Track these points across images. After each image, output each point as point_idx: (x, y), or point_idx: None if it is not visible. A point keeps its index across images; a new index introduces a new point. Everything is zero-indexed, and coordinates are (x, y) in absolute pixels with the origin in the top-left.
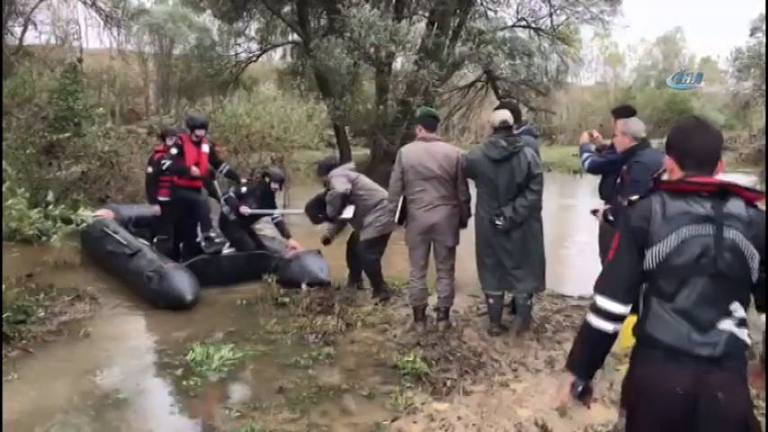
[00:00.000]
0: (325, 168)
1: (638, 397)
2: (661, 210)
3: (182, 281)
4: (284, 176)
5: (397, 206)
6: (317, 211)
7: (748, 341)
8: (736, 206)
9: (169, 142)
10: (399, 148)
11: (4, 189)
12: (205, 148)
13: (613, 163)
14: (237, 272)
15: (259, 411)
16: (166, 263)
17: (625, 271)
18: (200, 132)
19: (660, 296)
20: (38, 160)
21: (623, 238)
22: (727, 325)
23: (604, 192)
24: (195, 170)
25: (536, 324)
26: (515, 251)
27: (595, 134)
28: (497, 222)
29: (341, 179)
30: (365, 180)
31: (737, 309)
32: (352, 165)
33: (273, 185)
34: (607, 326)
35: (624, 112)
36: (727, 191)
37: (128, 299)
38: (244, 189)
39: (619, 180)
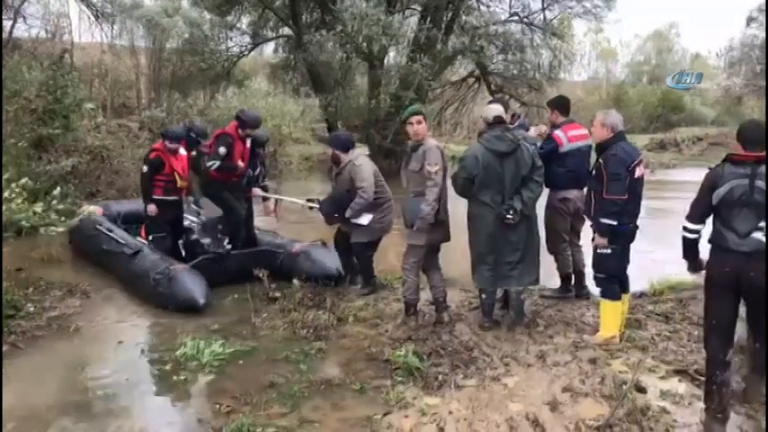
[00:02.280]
0: (343, 144)
1: (709, 276)
2: (722, 171)
3: (192, 283)
4: (268, 137)
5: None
6: (332, 210)
7: None
8: (765, 168)
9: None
10: (433, 144)
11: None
12: (248, 142)
13: (552, 152)
14: (243, 270)
15: (250, 406)
16: (173, 264)
17: (702, 205)
18: (249, 131)
19: (720, 220)
20: (27, 153)
21: (703, 188)
22: (757, 234)
23: (545, 180)
24: (241, 165)
25: (528, 318)
26: (521, 244)
27: (545, 131)
28: (509, 216)
29: (369, 174)
30: (378, 177)
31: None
32: (367, 151)
33: (257, 150)
34: (692, 236)
35: (559, 102)
36: (759, 161)
37: (118, 294)
38: (222, 150)
39: (594, 172)
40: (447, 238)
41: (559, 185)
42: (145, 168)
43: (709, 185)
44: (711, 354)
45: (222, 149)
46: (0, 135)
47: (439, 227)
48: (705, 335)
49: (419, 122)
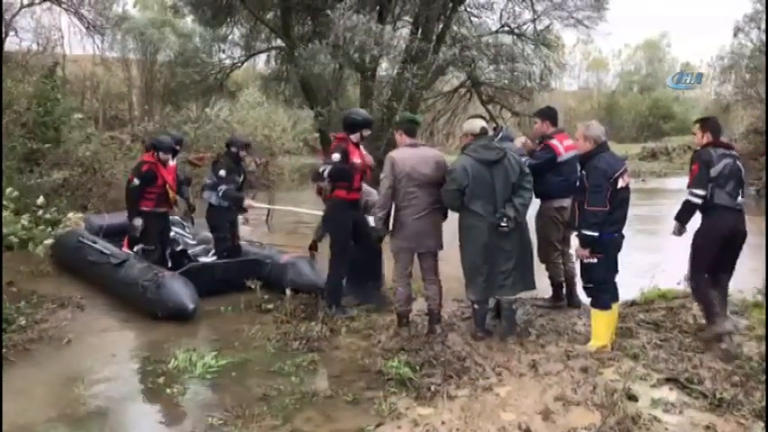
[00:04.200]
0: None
1: (708, 230)
2: (715, 153)
3: (181, 289)
4: (249, 141)
5: (388, 215)
6: None
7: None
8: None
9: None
10: (387, 155)
11: None
12: (363, 150)
13: (549, 162)
14: (231, 279)
15: (242, 419)
16: (161, 271)
17: (704, 177)
18: (366, 132)
19: (718, 187)
20: (18, 167)
21: (702, 165)
22: (741, 197)
23: (539, 190)
24: (359, 162)
25: (519, 328)
26: (514, 252)
27: (527, 141)
28: (502, 224)
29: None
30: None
31: (745, 189)
32: None
33: (242, 153)
34: (697, 200)
35: (548, 113)
36: (730, 146)
37: (110, 306)
38: (222, 172)
39: (578, 183)
40: (425, 246)
41: (555, 194)
42: (137, 182)
43: (705, 163)
44: (706, 298)
45: (336, 155)
46: (0, 145)
47: (408, 233)
48: (698, 279)
49: (393, 134)
